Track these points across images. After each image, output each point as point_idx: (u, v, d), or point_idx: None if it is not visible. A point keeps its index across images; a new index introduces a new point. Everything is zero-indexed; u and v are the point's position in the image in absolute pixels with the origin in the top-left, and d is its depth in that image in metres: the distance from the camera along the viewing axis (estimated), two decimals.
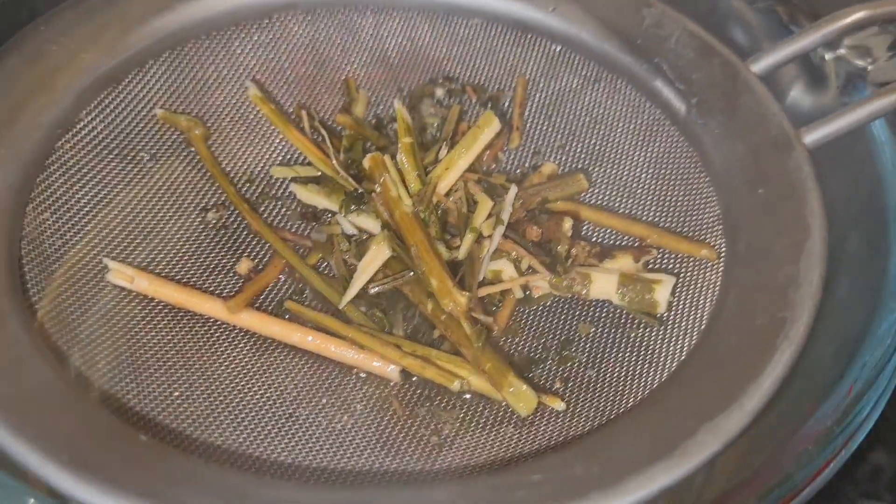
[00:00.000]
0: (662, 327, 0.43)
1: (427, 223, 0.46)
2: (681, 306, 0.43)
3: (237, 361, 0.43)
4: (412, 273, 0.45)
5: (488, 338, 0.43)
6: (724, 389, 0.35)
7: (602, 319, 0.45)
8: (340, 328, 0.44)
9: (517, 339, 0.45)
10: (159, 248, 0.46)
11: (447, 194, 0.47)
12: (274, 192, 0.50)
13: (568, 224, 0.46)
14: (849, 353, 0.38)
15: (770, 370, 0.35)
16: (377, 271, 0.45)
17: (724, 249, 0.43)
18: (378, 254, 0.45)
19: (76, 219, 0.45)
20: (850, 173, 0.43)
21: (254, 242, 0.48)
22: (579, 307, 0.46)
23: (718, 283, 0.42)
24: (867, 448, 0.50)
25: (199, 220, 0.48)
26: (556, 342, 0.45)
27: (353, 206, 0.47)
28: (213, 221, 0.48)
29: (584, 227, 0.49)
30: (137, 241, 0.46)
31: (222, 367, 0.42)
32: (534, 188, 0.49)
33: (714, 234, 0.44)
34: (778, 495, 0.34)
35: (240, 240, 0.48)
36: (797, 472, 0.35)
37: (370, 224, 0.47)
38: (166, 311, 0.44)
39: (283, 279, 0.47)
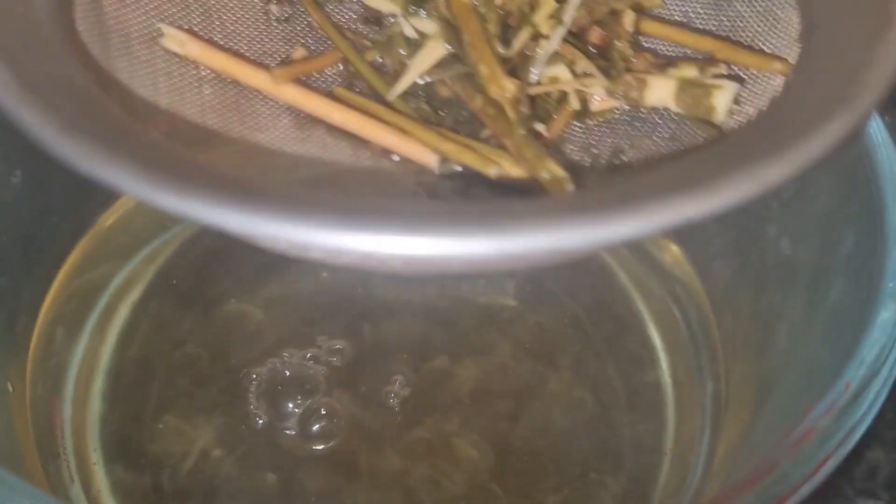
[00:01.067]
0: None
1: (485, 19, 0.44)
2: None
3: (275, 133, 0.43)
4: (462, 64, 0.43)
5: (534, 133, 0.41)
6: (773, 145, 0.32)
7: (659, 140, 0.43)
8: (385, 114, 0.44)
9: (568, 149, 0.44)
10: (216, 29, 0.46)
11: None
12: None
13: (629, 18, 0.44)
14: (846, 351, 0.38)
15: (821, 133, 0.33)
16: (431, 69, 0.44)
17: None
18: (432, 50, 0.44)
19: None
20: (847, 173, 0.44)
21: (313, 38, 0.48)
22: (637, 125, 0.44)
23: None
24: (864, 446, 0.50)
25: (261, 11, 0.47)
26: (607, 154, 0.44)
27: (413, 7, 0.46)
28: (276, 15, 0.48)
29: (651, 43, 0.46)
30: (195, 19, 0.46)
31: (260, 135, 0.43)
32: None
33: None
34: (775, 493, 0.34)
35: (299, 32, 0.48)
36: (794, 470, 0.35)
37: (431, 28, 0.46)
38: (214, 79, 0.45)
39: (334, 72, 0.47)
